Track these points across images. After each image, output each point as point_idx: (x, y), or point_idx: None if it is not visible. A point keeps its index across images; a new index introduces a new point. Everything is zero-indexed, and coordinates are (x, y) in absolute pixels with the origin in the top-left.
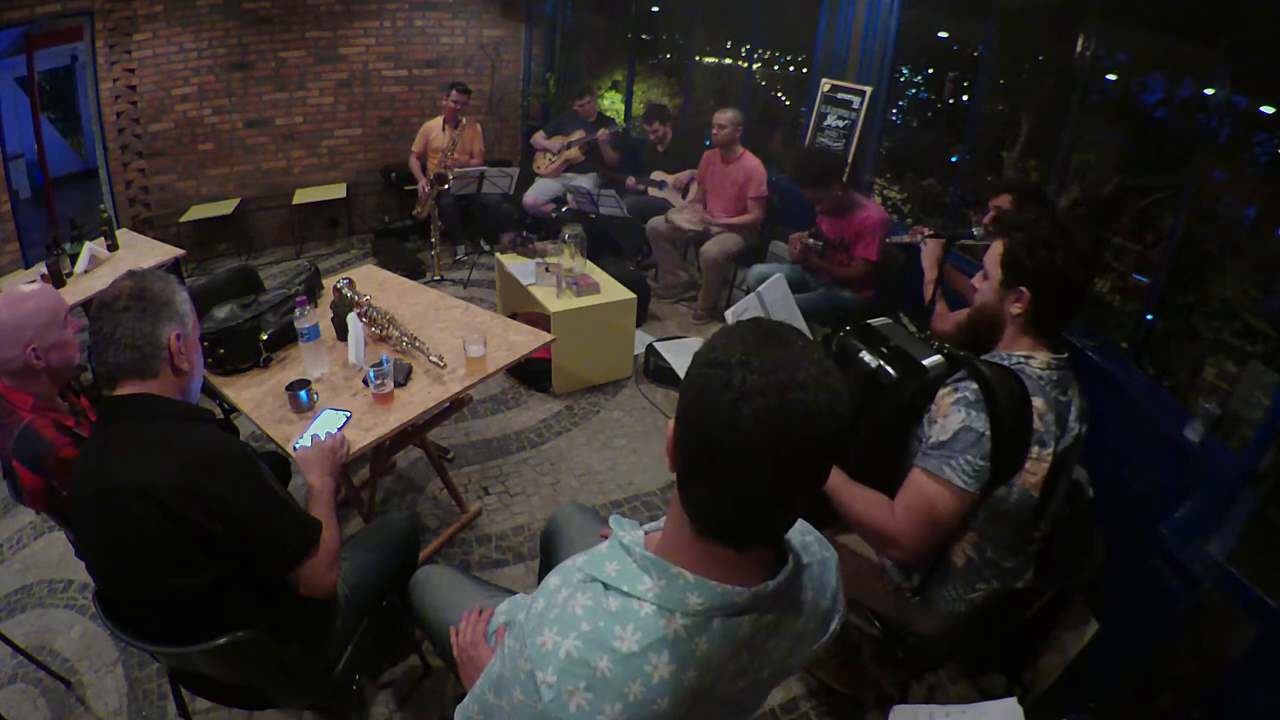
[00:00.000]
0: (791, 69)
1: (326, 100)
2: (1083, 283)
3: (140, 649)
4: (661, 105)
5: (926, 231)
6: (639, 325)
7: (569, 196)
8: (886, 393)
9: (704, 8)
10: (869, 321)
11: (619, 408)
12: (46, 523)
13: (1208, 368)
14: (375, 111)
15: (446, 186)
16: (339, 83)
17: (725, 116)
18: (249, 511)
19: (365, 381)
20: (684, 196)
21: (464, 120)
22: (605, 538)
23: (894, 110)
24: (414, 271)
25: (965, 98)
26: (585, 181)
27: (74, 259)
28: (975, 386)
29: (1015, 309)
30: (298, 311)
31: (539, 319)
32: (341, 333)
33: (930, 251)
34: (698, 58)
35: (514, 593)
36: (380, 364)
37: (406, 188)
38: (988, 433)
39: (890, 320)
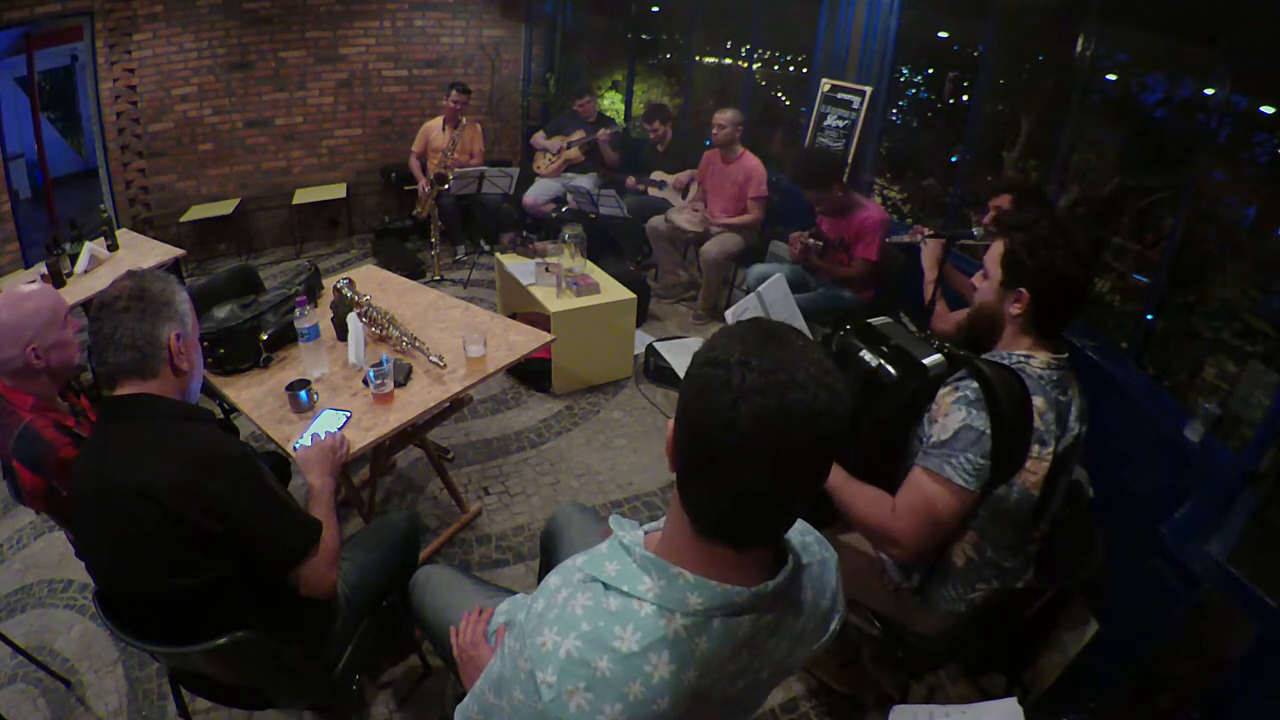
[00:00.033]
0: (791, 69)
1: (326, 100)
2: (1083, 284)
3: (140, 649)
4: (662, 104)
5: (926, 231)
6: (639, 325)
7: (569, 196)
8: (887, 392)
9: (704, 8)
10: (869, 321)
11: (619, 408)
12: (46, 523)
13: (1208, 368)
14: (375, 111)
15: (446, 186)
16: (339, 83)
17: (725, 116)
18: (249, 511)
19: (365, 381)
20: (684, 196)
21: (464, 120)
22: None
23: (894, 110)
24: (414, 271)
25: (965, 98)
26: (585, 181)
27: (74, 259)
28: (976, 385)
29: (1015, 309)
30: (298, 311)
31: (539, 319)
32: (341, 333)
33: (930, 251)
34: (698, 58)
35: (514, 593)
36: (380, 364)
37: (406, 188)
38: (988, 431)
39: (890, 320)
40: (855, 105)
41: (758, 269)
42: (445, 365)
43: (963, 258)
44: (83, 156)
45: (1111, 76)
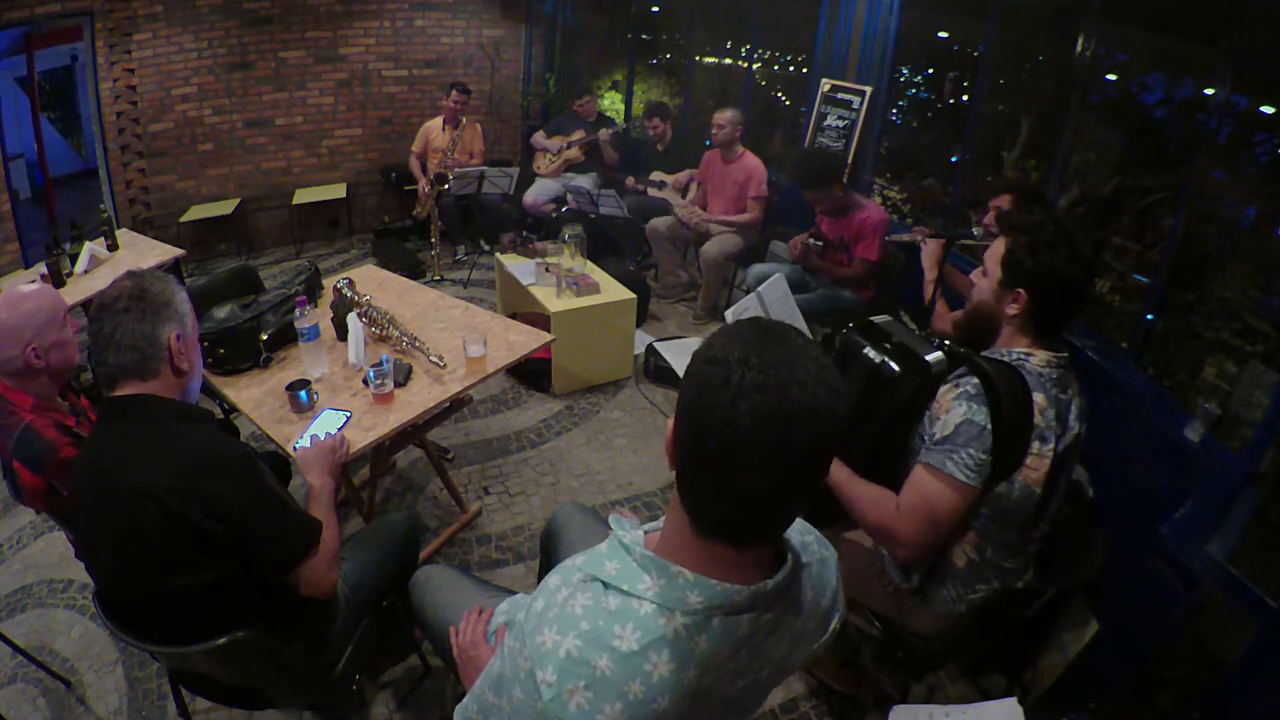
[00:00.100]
0: (791, 69)
1: (326, 100)
2: (1083, 287)
3: (140, 649)
4: (662, 102)
5: (927, 232)
6: (639, 325)
7: (569, 196)
8: (890, 388)
9: (704, 8)
10: (872, 319)
11: (619, 408)
12: (46, 523)
13: (1208, 368)
14: (375, 111)
15: (446, 186)
16: (339, 83)
17: (725, 116)
18: (249, 511)
19: (365, 381)
20: (684, 196)
21: (464, 120)
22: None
23: (894, 110)
24: (414, 271)
25: (965, 98)
26: (585, 181)
27: (74, 259)
28: (976, 381)
29: (1012, 309)
30: (298, 311)
31: (539, 319)
32: (341, 333)
33: (930, 251)
34: (698, 58)
35: (514, 593)
36: (380, 364)
37: (406, 188)
38: (989, 426)
39: (891, 318)
40: (855, 105)
41: (758, 269)
42: (445, 365)
43: (963, 257)
44: (83, 156)
45: (1111, 76)
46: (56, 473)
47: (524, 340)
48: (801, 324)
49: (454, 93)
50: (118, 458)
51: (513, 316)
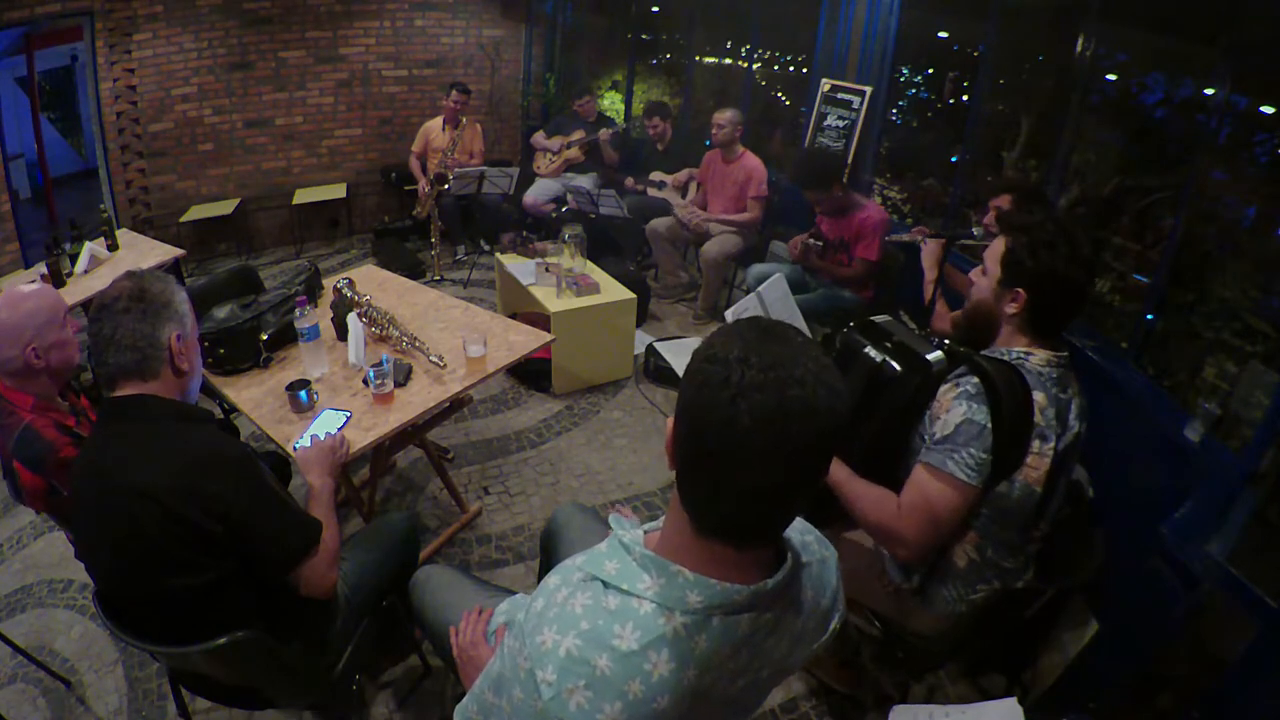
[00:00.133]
0: (791, 69)
1: (326, 100)
2: (1082, 288)
3: (140, 649)
4: (662, 101)
5: (926, 232)
6: (639, 325)
7: (569, 196)
8: (891, 387)
9: (704, 8)
10: (872, 318)
11: (619, 408)
12: (46, 523)
13: (1208, 368)
14: (375, 111)
15: (446, 186)
16: (339, 83)
17: (725, 116)
18: (249, 511)
19: (365, 381)
20: (684, 196)
21: (464, 120)
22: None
23: (894, 110)
24: (414, 271)
25: (965, 98)
26: (585, 181)
27: (74, 259)
28: (976, 380)
29: (1011, 309)
30: (298, 311)
31: (539, 319)
32: (341, 333)
33: (930, 251)
34: (698, 58)
35: (514, 593)
36: (380, 364)
37: (406, 188)
38: (989, 425)
39: (891, 318)
40: (855, 105)
41: (757, 269)
42: (445, 365)
43: (962, 257)
44: (83, 156)
45: (1111, 76)
46: (56, 473)
47: (524, 340)
48: (801, 324)
49: (454, 93)
50: (118, 458)
51: (513, 316)
